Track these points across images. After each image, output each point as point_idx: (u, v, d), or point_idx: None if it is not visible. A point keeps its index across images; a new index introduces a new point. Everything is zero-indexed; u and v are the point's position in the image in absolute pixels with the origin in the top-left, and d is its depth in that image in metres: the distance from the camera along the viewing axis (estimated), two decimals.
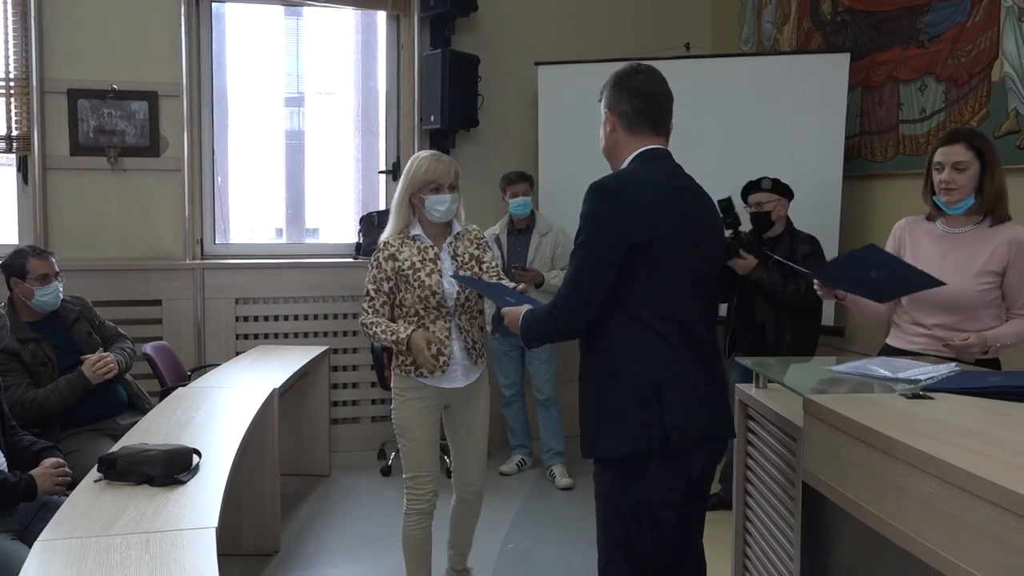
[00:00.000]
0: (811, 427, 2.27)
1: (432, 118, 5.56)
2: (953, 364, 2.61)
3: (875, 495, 1.95)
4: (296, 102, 6.21)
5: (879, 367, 2.57)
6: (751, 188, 4.18)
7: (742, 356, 3.46)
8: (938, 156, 2.94)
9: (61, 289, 3.80)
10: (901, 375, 2.46)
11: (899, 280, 2.76)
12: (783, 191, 4.17)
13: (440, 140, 5.73)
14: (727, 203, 3.84)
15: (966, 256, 2.92)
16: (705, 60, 5.33)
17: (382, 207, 5.91)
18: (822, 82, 4.76)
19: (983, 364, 2.86)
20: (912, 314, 3.02)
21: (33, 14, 5.05)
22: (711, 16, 6.20)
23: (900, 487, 1.85)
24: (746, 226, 4.16)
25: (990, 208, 2.92)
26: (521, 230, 5.03)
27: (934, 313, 2.95)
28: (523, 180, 4.96)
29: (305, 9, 5.90)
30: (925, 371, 2.48)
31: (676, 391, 2.24)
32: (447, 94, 5.46)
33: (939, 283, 2.67)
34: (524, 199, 4.94)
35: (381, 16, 5.89)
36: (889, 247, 3.14)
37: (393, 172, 5.89)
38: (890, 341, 3.15)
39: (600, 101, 2.44)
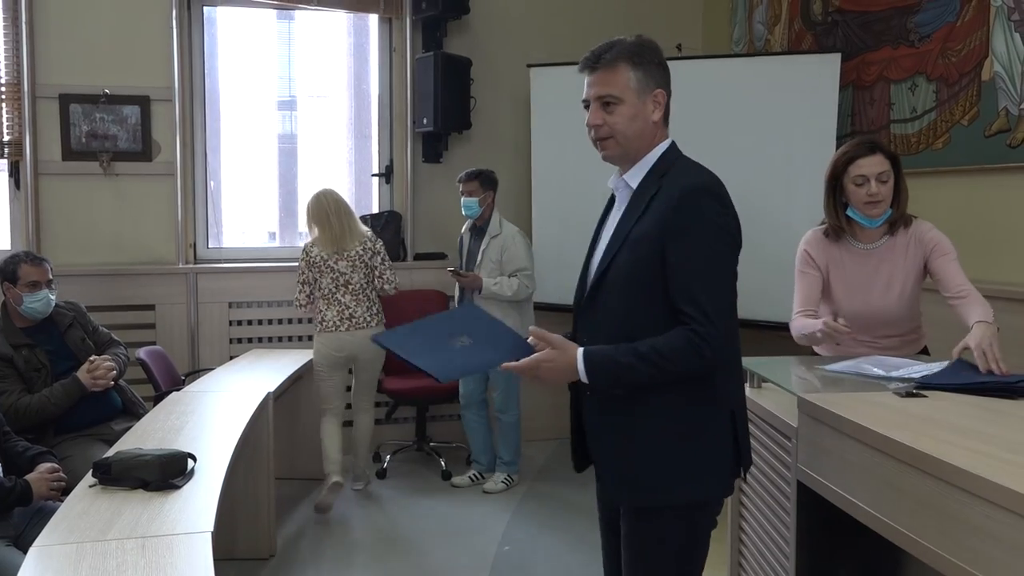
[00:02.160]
0: (805, 426, 2.28)
1: (425, 121, 5.56)
2: (945, 362, 2.61)
3: (870, 493, 1.96)
4: (288, 106, 6.21)
5: (872, 366, 2.58)
6: None
7: None
8: (860, 170, 2.85)
9: (52, 298, 3.77)
10: (895, 373, 2.47)
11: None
12: None
13: (433, 143, 5.73)
14: None
15: (894, 270, 2.91)
16: (697, 61, 5.33)
17: (375, 210, 5.90)
18: (813, 82, 4.77)
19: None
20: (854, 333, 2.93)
21: (24, 19, 5.04)
22: (702, 17, 6.21)
23: (895, 485, 1.86)
24: None
25: (901, 215, 2.91)
26: (479, 230, 4.94)
27: (881, 328, 2.94)
28: (472, 179, 4.85)
29: (297, 13, 5.89)
30: (918, 369, 2.50)
31: (743, 415, 2.11)
32: (440, 97, 5.46)
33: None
34: (470, 199, 4.84)
35: (373, 19, 5.88)
36: (807, 267, 2.99)
37: (386, 175, 5.89)
38: (825, 353, 3.07)
39: (630, 70, 2.03)
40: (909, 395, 2.22)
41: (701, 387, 1.97)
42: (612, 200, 2.20)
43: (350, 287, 4.59)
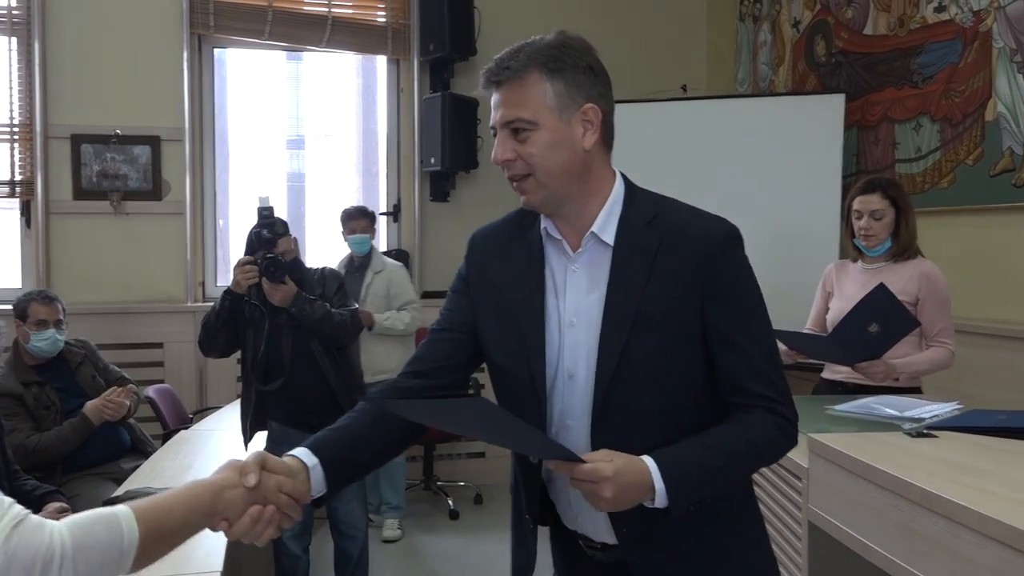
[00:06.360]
0: (816, 467, 2.28)
1: (432, 160, 5.61)
2: (956, 402, 2.62)
3: (882, 534, 1.96)
4: (297, 144, 6.27)
5: (883, 406, 2.58)
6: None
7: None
8: (857, 205, 3.18)
9: (60, 338, 3.76)
10: (907, 413, 2.47)
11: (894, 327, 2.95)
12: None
13: (440, 182, 5.78)
14: (270, 211, 3.50)
15: (893, 288, 3.04)
16: (701, 101, 5.39)
17: (383, 249, 5.93)
18: (818, 122, 4.81)
19: (903, 391, 2.99)
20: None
21: (37, 61, 5.11)
22: (707, 58, 6.28)
23: (907, 526, 1.85)
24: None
25: (903, 249, 3.16)
26: (359, 267, 4.84)
27: None
28: (363, 217, 4.81)
29: (305, 54, 5.97)
30: (929, 409, 2.50)
31: None
32: (447, 136, 5.51)
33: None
34: (362, 236, 4.77)
35: (381, 60, 5.96)
36: (819, 291, 3.40)
37: (394, 214, 5.93)
38: (826, 376, 3.36)
39: (546, 81, 1.47)
40: (920, 435, 2.22)
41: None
42: (539, 254, 1.59)
43: None
